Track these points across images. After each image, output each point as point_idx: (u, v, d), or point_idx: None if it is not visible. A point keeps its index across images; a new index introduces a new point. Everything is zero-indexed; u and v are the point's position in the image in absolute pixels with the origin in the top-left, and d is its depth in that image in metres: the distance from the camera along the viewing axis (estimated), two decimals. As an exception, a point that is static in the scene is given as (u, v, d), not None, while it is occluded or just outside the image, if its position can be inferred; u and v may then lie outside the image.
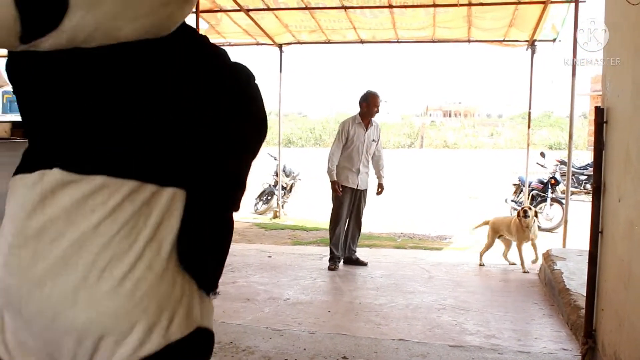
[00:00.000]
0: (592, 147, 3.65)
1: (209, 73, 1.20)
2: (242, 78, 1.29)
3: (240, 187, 1.31)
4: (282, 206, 11.08)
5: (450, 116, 56.42)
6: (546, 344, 3.90)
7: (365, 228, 10.32)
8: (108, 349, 1.09)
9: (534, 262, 6.37)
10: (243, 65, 1.31)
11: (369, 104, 6.44)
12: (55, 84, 1.12)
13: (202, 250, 1.21)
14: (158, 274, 1.11)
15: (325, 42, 10.26)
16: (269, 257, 6.92)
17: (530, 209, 6.51)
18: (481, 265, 6.59)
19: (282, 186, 11.15)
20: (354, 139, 6.36)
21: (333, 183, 6.32)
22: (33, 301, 1.09)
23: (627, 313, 2.82)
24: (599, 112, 3.31)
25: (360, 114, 6.47)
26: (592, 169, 3.73)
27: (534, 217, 6.46)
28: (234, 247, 7.32)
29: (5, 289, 1.14)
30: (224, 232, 1.30)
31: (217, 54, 1.26)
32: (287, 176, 11.56)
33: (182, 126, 1.15)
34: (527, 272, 6.14)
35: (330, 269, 6.21)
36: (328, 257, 6.37)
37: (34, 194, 1.11)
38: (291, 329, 4.13)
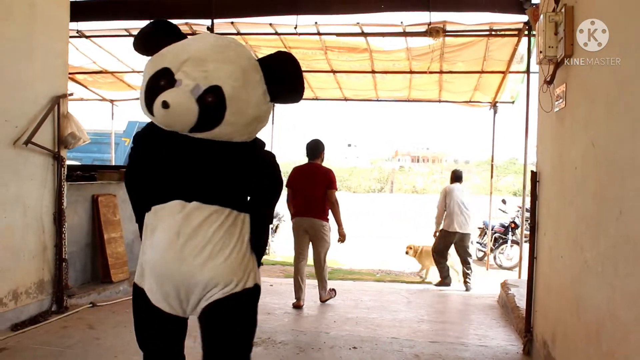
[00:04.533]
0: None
1: (261, 162, 2.61)
2: (274, 165, 2.66)
3: (272, 213, 2.82)
4: (270, 245, 12.60)
5: (418, 161, 58.59)
6: (499, 342, 5.48)
7: (347, 265, 11.88)
8: (217, 291, 2.45)
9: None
10: (274, 159, 2.69)
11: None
12: (185, 154, 2.42)
13: (258, 243, 2.65)
14: (243, 255, 2.51)
15: (313, 99, 12.00)
16: (271, 285, 8.39)
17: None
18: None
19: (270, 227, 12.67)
20: None
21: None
22: (180, 269, 2.40)
23: (548, 309, 4.42)
24: (534, 174, 4.98)
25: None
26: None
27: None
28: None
29: (154, 263, 2.45)
30: (266, 234, 2.76)
31: (266, 152, 2.66)
32: (275, 217, 13.07)
33: (246, 187, 2.57)
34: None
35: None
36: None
37: (181, 214, 2.39)
38: (311, 330, 5.65)
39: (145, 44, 2.54)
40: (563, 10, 3.82)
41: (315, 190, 6.80)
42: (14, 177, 5.34)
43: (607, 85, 3.03)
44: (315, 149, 7.01)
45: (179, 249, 2.38)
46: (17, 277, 5.37)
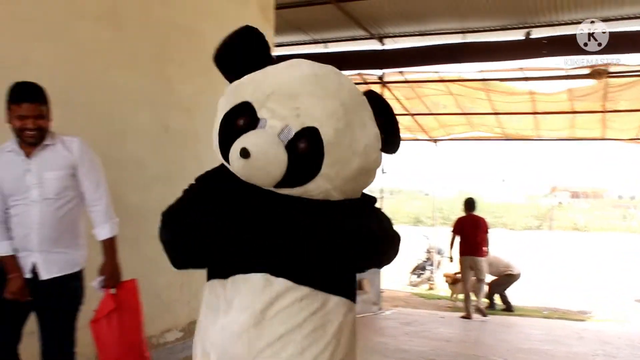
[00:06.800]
0: None
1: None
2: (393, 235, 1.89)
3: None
4: (434, 279, 13.37)
5: (578, 197, 56.10)
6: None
7: (513, 302, 12.23)
8: None
9: None
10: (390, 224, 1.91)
11: None
12: (272, 214, 1.72)
13: None
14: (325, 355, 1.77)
15: (474, 139, 12.64)
16: (442, 317, 9.09)
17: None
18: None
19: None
20: None
21: None
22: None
23: None
24: None
25: None
26: None
27: None
28: (408, 310, 9.56)
29: (223, 348, 1.76)
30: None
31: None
32: (438, 253, 13.75)
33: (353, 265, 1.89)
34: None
35: None
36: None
37: (265, 294, 1.72)
38: (488, 357, 6.30)
39: (224, 58, 1.88)
40: None
41: (480, 235, 9.27)
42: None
43: None
44: (474, 204, 9.64)
45: (254, 338, 1.75)
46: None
